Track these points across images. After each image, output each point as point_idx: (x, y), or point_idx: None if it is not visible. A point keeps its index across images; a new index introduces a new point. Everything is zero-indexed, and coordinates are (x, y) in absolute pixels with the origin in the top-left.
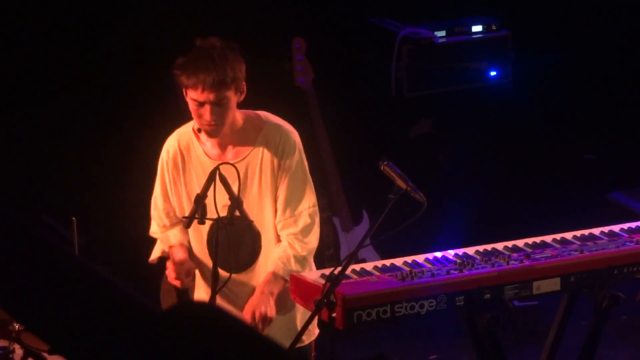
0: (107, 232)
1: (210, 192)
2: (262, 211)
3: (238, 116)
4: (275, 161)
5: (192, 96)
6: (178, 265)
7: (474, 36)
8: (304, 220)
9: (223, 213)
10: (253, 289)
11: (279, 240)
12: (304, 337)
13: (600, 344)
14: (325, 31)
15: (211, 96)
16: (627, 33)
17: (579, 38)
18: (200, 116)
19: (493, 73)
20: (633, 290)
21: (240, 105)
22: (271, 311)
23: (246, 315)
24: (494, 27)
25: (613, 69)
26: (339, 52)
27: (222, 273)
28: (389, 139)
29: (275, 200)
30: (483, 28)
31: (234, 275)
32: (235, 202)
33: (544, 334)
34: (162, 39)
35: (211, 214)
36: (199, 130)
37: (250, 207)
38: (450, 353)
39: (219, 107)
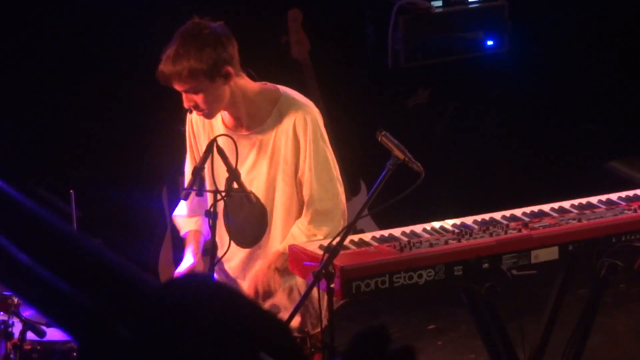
0: (105, 205)
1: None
2: (272, 188)
3: (251, 88)
4: (291, 138)
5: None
6: None
7: (470, 6)
8: (327, 206)
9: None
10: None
11: (297, 218)
12: (308, 327)
13: (599, 312)
14: (321, 2)
15: (182, 87)
16: (624, 1)
17: (576, 6)
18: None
19: (490, 42)
20: (631, 258)
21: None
22: (275, 285)
23: (249, 288)
24: None
25: (610, 37)
26: (335, 23)
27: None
28: (386, 109)
29: (294, 179)
30: None
31: (244, 250)
32: (233, 174)
33: (543, 303)
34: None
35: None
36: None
37: (259, 182)
38: (448, 323)
39: (197, 94)
